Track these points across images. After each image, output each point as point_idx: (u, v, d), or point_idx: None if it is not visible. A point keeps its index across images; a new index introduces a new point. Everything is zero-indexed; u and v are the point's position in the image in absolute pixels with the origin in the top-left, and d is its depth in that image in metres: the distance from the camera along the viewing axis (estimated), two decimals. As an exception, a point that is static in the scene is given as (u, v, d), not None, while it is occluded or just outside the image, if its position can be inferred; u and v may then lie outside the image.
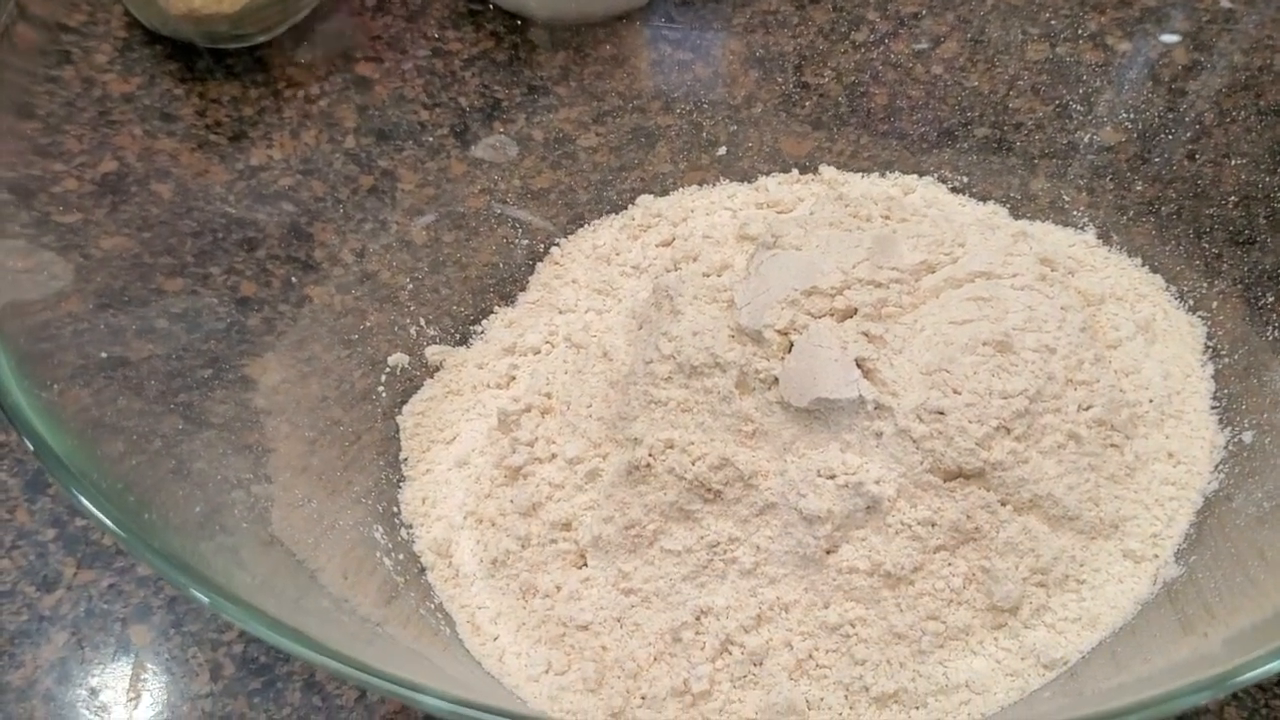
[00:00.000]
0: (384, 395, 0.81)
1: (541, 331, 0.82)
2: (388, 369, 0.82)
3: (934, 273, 0.70)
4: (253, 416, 0.76)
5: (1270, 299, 0.76)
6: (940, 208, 0.83)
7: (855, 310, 0.67)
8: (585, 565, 0.70)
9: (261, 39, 0.91)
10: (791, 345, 0.67)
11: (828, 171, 0.86)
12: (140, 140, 0.86)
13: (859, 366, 0.66)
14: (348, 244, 0.84)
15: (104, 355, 0.74)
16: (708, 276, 0.74)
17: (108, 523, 0.55)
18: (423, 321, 0.84)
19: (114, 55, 0.91)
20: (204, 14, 0.87)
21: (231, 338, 0.78)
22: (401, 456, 0.78)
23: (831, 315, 0.67)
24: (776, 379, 0.67)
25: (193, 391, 0.76)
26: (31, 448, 0.58)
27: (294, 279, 0.82)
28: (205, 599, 0.53)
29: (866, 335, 0.67)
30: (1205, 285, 0.79)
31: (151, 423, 0.73)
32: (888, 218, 0.73)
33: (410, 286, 0.85)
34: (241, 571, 0.62)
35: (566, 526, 0.70)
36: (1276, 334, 0.74)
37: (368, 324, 0.82)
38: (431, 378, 0.82)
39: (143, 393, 0.75)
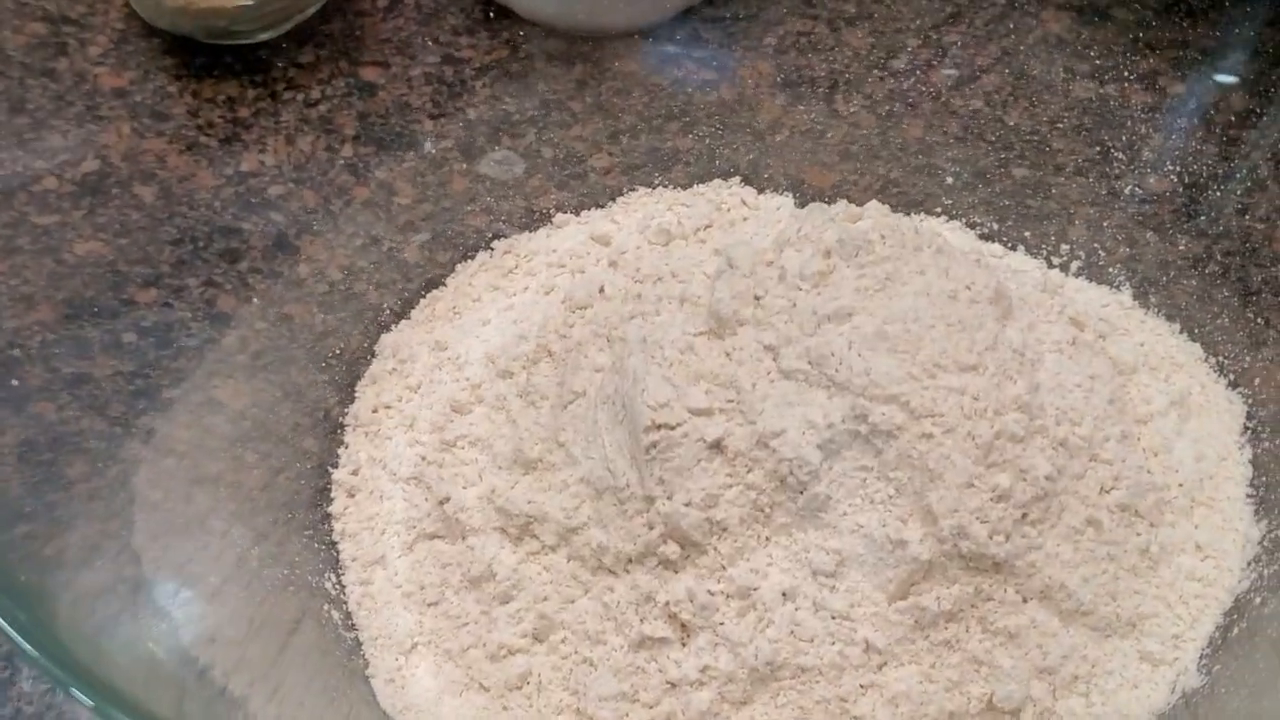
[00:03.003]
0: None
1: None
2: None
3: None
4: (218, 444, 0.72)
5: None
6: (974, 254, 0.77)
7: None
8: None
9: (264, 36, 0.86)
10: None
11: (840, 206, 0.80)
12: (127, 139, 0.82)
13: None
14: (335, 260, 0.79)
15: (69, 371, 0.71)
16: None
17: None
18: (408, 346, 0.79)
19: (109, 48, 0.86)
20: (201, 7, 0.82)
21: (204, 356, 0.74)
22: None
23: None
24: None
25: (156, 413, 0.71)
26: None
27: (275, 295, 0.77)
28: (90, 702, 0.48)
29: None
30: (1248, 358, 0.73)
31: (112, 447, 0.69)
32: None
33: (397, 308, 0.80)
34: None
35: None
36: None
37: (349, 346, 0.78)
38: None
39: (106, 412, 0.71)
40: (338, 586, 0.68)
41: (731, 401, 0.62)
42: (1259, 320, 0.73)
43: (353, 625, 0.67)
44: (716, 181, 0.84)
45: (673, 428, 0.61)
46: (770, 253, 0.66)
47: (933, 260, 0.65)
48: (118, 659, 0.57)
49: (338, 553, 0.70)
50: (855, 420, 0.61)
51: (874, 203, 0.74)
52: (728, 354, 0.63)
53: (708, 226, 0.78)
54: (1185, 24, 0.87)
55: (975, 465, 0.60)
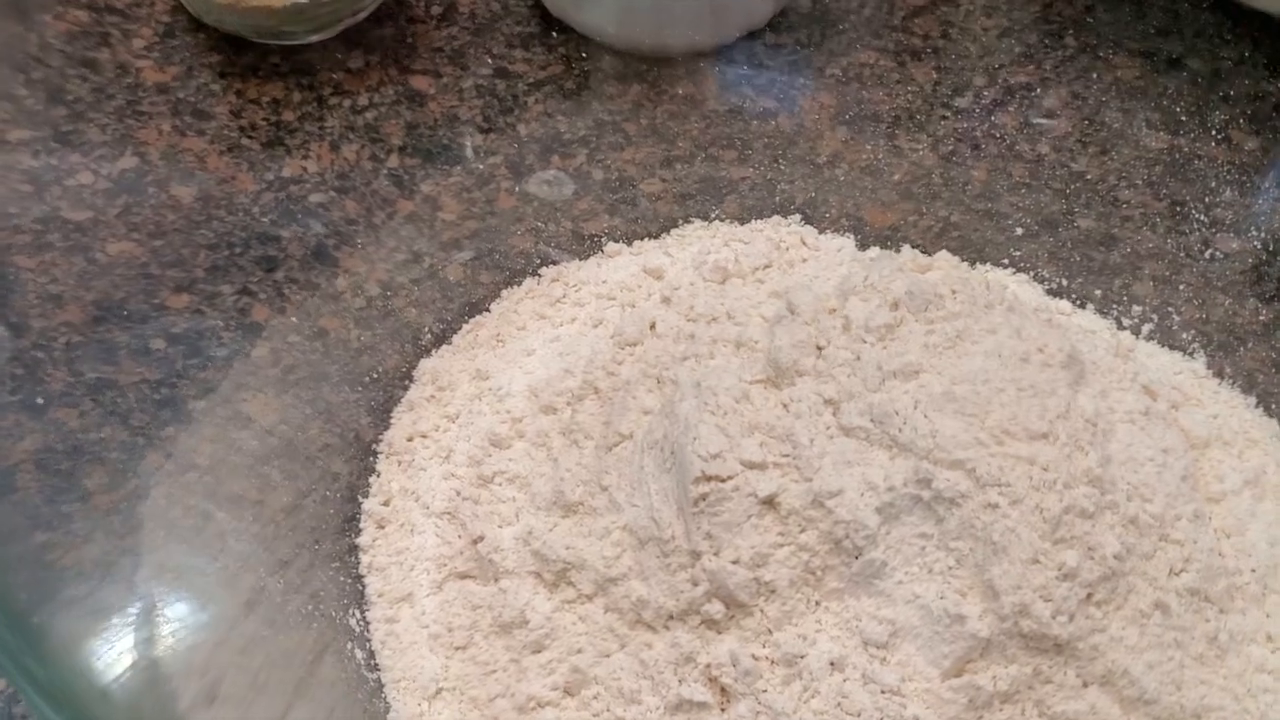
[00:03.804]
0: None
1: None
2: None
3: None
4: (243, 461, 0.69)
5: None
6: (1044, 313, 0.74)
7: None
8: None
9: (314, 38, 0.84)
10: None
11: (907, 254, 0.76)
12: (167, 136, 0.80)
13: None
14: (375, 274, 0.77)
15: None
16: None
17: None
18: (446, 369, 0.76)
19: (153, 40, 0.84)
20: (250, 5, 0.80)
21: (233, 367, 0.71)
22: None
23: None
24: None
25: (180, 425, 0.69)
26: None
27: (311, 307, 0.74)
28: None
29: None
30: (1327, 439, 0.70)
31: (133, 459, 0.67)
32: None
33: (438, 329, 0.77)
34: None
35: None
36: None
37: (385, 366, 0.75)
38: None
39: (129, 422, 0.68)
40: (362, 623, 0.65)
41: (787, 456, 0.59)
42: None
43: (375, 665, 0.64)
44: (775, 218, 0.81)
45: (724, 480, 0.58)
46: (834, 300, 0.63)
47: (1004, 319, 0.62)
48: (117, 697, 0.55)
49: (364, 587, 0.67)
50: (918, 485, 0.58)
51: (943, 253, 0.71)
52: (785, 405, 0.60)
53: (766, 266, 0.75)
54: (1263, 77, 0.84)
55: (1042, 540, 0.56)
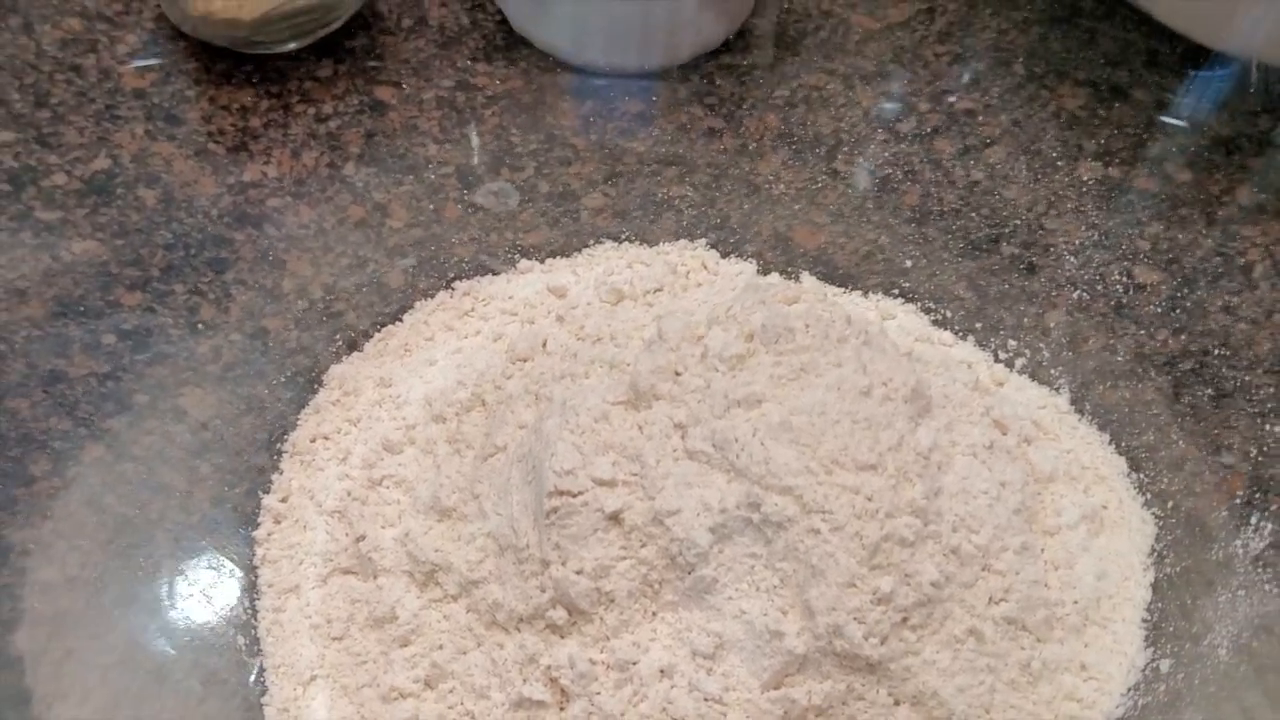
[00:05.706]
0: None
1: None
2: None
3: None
4: (176, 453, 0.74)
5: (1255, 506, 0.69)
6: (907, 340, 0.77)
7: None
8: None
9: (291, 46, 0.89)
10: None
11: (808, 282, 0.80)
12: (139, 140, 0.85)
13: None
14: (320, 277, 0.81)
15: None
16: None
17: None
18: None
19: (136, 47, 0.89)
20: (222, 18, 0.85)
21: (177, 363, 0.76)
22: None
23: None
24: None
25: (122, 417, 0.74)
26: None
27: (256, 308, 0.79)
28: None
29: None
30: (1168, 477, 0.72)
31: (74, 447, 0.72)
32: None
33: (375, 334, 0.81)
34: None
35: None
36: (1227, 552, 0.67)
37: (318, 366, 0.79)
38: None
39: (75, 413, 0.73)
40: (249, 611, 0.70)
41: (635, 475, 0.63)
42: (1180, 441, 0.73)
43: (257, 651, 0.69)
44: (682, 242, 0.84)
45: (574, 495, 0.62)
46: (703, 328, 0.67)
47: (854, 353, 0.65)
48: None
49: (255, 577, 0.71)
50: (749, 508, 0.61)
51: (813, 283, 0.74)
52: (640, 427, 0.64)
53: (658, 290, 0.78)
54: (1205, 109, 0.86)
55: (859, 565, 0.60)
